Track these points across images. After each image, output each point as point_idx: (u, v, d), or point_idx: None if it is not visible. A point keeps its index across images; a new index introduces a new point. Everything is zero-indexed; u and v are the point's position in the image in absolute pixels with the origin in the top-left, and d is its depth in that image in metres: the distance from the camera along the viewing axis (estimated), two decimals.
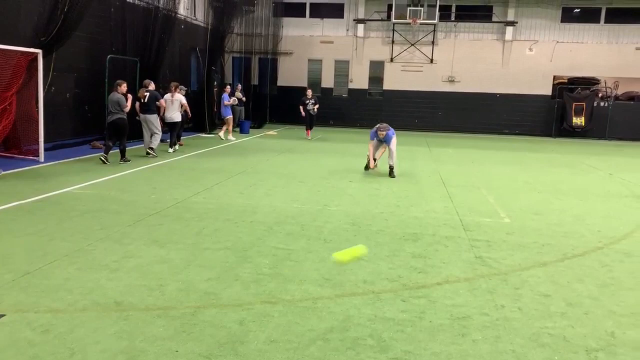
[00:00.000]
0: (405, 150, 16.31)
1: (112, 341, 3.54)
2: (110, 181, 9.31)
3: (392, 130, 11.26)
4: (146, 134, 12.74)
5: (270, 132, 20.53)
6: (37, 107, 11.10)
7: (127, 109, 11.33)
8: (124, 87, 11.35)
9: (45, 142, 11.23)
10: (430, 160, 14.01)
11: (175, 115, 13.72)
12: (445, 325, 3.97)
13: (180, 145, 14.55)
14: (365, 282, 4.81)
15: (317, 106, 18.19)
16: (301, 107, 18.19)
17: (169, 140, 13.92)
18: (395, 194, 9.07)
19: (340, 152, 15.19)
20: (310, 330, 3.80)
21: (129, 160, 11.51)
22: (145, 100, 12.54)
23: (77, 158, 11.57)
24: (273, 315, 4.03)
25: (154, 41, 15.84)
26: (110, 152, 11.26)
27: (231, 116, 17.55)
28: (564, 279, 5.08)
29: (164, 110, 13.46)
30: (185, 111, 14.17)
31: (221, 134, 17.38)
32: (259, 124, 22.40)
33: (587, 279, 5.10)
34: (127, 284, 4.56)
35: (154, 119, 12.65)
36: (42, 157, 11.05)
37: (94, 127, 14.29)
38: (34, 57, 11.00)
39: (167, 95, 13.69)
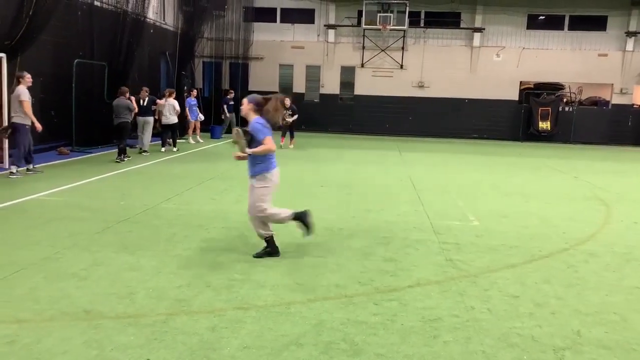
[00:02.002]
0: (377, 154, 16.47)
1: (81, 351, 3.47)
2: (78, 188, 9.13)
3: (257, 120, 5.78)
4: (141, 135, 14.10)
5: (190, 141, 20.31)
6: (1, 113, 10.81)
7: (136, 111, 13.18)
8: (128, 94, 12.99)
9: (9, 148, 10.94)
10: (400, 165, 14.15)
11: (171, 118, 15.07)
12: (416, 328, 4.02)
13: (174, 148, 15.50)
14: (338, 286, 4.83)
15: (294, 117, 17.04)
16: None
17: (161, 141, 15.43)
18: (366, 199, 9.13)
19: (312, 157, 15.22)
20: (284, 336, 3.80)
21: (130, 157, 12.87)
22: (145, 103, 13.97)
23: (43, 164, 11.30)
24: (245, 321, 4.01)
25: (122, 45, 15.61)
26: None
27: (194, 121, 17.80)
28: (532, 280, 5.20)
29: (160, 113, 14.98)
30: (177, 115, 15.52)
31: (197, 138, 17.80)
32: (230, 129, 22.28)
33: (554, 280, 5.23)
34: (96, 292, 4.48)
35: (152, 121, 14.29)
36: (6, 164, 10.77)
37: (61, 133, 14.00)
38: None
39: (160, 101, 14.96)
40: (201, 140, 17.88)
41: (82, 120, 13.97)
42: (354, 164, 14.00)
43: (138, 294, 4.47)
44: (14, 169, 9.98)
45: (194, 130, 17.95)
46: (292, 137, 17.41)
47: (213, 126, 20.14)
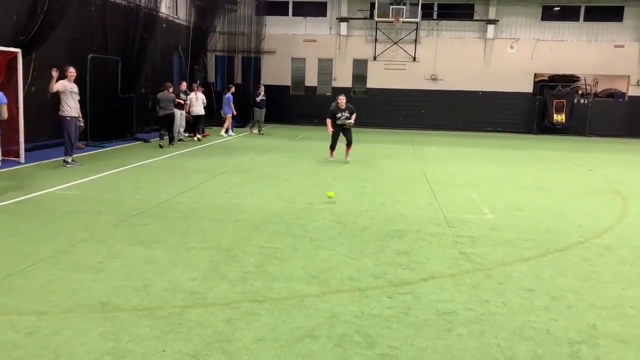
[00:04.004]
0: (390, 148, 16.42)
1: (98, 342, 3.52)
2: (93, 182, 9.22)
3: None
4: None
5: (255, 132, 20.45)
6: (17, 108, 10.93)
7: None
8: (171, 88, 14.79)
9: (25, 142, 11.08)
10: (414, 158, 14.09)
11: (199, 109, 16.50)
12: (430, 321, 4.01)
13: (205, 135, 17.39)
14: (351, 279, 4.83)
15: (353, 117, 12.39)
16: (329, 122, 12.56)
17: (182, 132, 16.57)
18: (380, 192, 9.11)
19: (325, 150, 15.19)
20: (298, 328, 3.81)
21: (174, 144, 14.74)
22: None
23: (59, 159, 11.40)
24: (260, 314, 4.04)
25: (135, 40, 15.70)
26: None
27: (230, 114, 18.58)
28: (547, 274, 5.16)
29: (189, 106, 16.25)
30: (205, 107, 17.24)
31: (222, 132, 18.60)
32: (243, 123, 22.30)
33: (569, 273, 5.19)
34: (112, 284, 4.53)
35: (180, 114, 15.84)
36: (22, 158, 10.90)
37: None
38: (14, 56, 10.84)
39: (192, 94, 16.40)
40: (231, 134, 18.74)
41: (97, 114, 14.08)
42: (367, 157, 13.96)
43: (153, 286, 4.51)
44: (68, 159, 10.69)
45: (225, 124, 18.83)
46: (349, 145, 12.66)
47: None
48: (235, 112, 18.69)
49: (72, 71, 10.73)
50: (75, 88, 10.76)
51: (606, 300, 4.53)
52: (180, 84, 16.23)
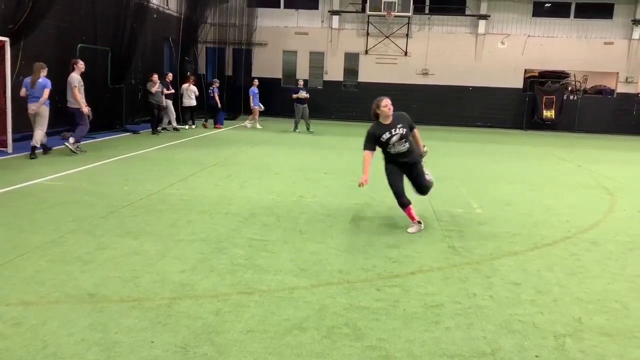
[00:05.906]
0: None
1: (86, 333, 3.51)
2: (82, 172, 9.16)
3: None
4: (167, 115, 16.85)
5: (245, 124, 20.39)
6: (5, 97, 10.81)
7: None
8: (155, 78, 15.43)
9: (13, 132, 10.96)
10: None
11: (191, 101, 17.59)
12: (418, 314, 4.04)
13: (218, 127, 18.53)
14: (341, 272, 4.85)
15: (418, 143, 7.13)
16: (366, 156, 6.91)
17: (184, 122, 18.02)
18: (370, 186, 9.09)
19: (315, 144, 15.21)
20: (287, 320, 3.83)
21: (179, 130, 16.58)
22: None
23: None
24: (249, 306, 4.04)
25: (125, 30, 15.57)
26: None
27: (257, 107, 19.11)
28: (534, 268, 5.21)
29: (181, 97, 17.52)
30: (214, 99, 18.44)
31: (247, 123, 19.24)
32: (233, 115, 22.22)
33: (556, 268, 5.24)
34: (100, 275, 4.51)
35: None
36: (10, 148, 10.80)
37: (65, 118, 13.97)
38: (1, 45, 10.70)
39: (185, 85, 17.49)
40: (259, 127, 19.10)
41: (86, 105, 13.93)
42: (358, 151, 13.94)
43: (142, 278, 4.50)
44: (73, 146, 10.96)
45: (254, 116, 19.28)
46: (422, 192, 6.86)
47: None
48: (253, 104, 18.93)
49: (82, 64, 11.14)
50: (81, 81, 11.18)
51: (592, 294, 4.58)
52: (167, 75, 16.96)
